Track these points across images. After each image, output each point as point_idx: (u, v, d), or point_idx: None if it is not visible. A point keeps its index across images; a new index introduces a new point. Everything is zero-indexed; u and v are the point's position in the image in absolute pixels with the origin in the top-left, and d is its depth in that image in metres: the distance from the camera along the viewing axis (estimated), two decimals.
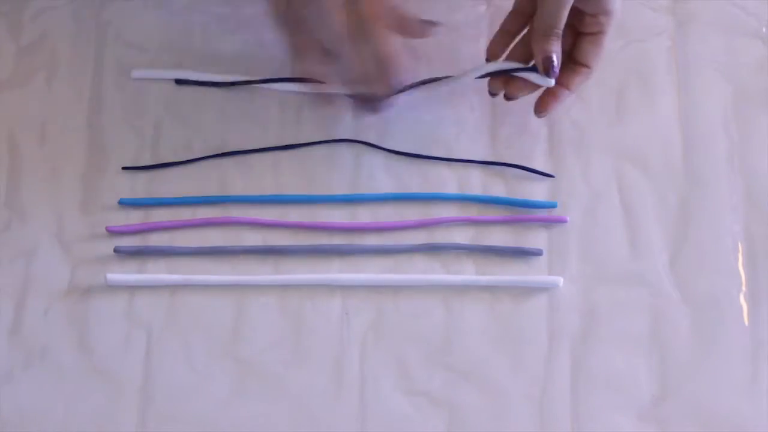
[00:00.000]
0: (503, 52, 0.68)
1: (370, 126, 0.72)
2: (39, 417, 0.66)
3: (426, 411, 0.65)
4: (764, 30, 0.74)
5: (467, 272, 0.68)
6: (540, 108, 0.68)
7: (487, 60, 0.68)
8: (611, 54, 0.73)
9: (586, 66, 0.67)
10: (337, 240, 0.69)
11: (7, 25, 0.75)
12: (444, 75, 0.69)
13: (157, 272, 0.69)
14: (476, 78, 0.68)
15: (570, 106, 0.71)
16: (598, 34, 0.66)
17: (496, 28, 0.69)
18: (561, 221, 0.69)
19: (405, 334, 0.67)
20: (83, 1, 0.75)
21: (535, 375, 0.66)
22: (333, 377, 0.66)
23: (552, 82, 0.66)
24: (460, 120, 0.72)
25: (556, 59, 0.65)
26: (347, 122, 0.72)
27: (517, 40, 0.68)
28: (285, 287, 0.68)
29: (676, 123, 0.72)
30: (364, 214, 0.70)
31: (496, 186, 0.71)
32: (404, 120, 0.72)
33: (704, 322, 0.67)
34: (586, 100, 0.72)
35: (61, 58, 0.74)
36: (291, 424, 0.65)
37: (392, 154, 0.71)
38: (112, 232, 0.69)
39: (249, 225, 0.70)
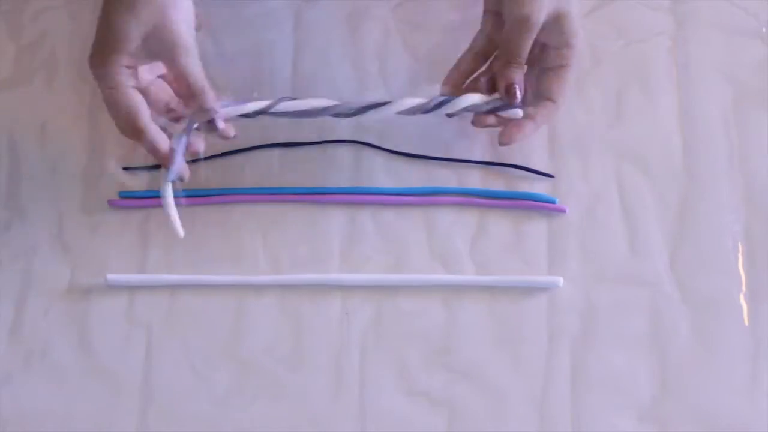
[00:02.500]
0: (458, 87, 0.68)
1: (370, 126, 0.72)
2: (39, 417, 0.66)
3: (426, 411, 0.65)
4: (764, 30, 0.74)
5: (467, 272, 0.68)
6: (504, 138, 0.67)
7: (442, 93, 0.68)
8: (611, 54, 0.73)
9: (551, 100, 0.67)
10: (338, 241, 0.69)
11: (7, 25, 0.75)
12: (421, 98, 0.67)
13: (158, 272, 0.69)
14: (447, 115, 0.68)
15: (570, 106, 0.71)
16: (561, 67, 0.66)
17: None
18: (560, 210, 0.69)
19: (405, 334, 0.67)
20: (83, 1, 0.75)
21: (535, 375, 0.66)
22: (333, 377, 0.66)
23: (520, 113, 0.67)
24: (461, 120, 0.71)
25: (518, 87, 0.66)
26: (347, 123, 0.72)
27: (475, 75, 0.68)
28: (285, 287, 0.68)
29: (676, 123, 0.72)
30: (364, 212, 0.70)
31: (497, 186, 0.71)
32: (404, 120, 0.72)
33: (704, 322, 0.67)
34: (586, 100, 0.72)
35: (61, 58, 0.74)
36: (291, 424, 0.65)
37: (392, 155, 0.71)
38: (115, 206, 0.70)
39: (249, 203, 0.70)
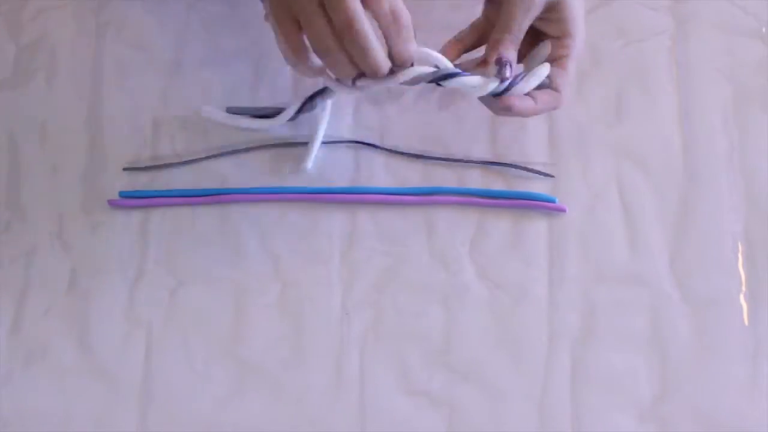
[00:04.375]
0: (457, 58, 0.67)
1: (370, 126, 0.72)
2: (39, 417, 0.66)
3: (426, 411, 0.65)
4: (764, 30, 0.74)
5: (467, 272, 0.68)
6: (502, 104, 0.65)
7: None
8: (611, 54, 0.73)
9: (555, 89, 0.66)
10: (338, 241, 0.69)
11: (7, 25, 0.75)
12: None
13: (157, 272, 0.69)
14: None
15: (570, 106, 0.71)
16: (563, 58, 0.66)
17: None
18: (560, 210, 0.69)
19: (405, 334, 0.67)
20: (83, 1, 0.76)
21: (535, 375, 0.66)
22: (333, 377, 0.66)
23: (504, 85, 0.64)
24: (460, 119, 0.72)
25: (508, 62, 0.64)
26: (347, 122, 0.72)
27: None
28: (285, 287, 0.68)
29: (676, 123, 0.72)
30: (364, 212, 0.70)
31: (496, 186, 0.71)
32: (404, 120, 0.72)
33: (704, 322, 0.67)
34: (586, 100, 0.72)
35: (61, 58, 0.74)
36: (291, 424, 0.65)
37: (392, 154, 0.71)
38: (115, 206, 0.70)
39: (249, 202, 0.70)
